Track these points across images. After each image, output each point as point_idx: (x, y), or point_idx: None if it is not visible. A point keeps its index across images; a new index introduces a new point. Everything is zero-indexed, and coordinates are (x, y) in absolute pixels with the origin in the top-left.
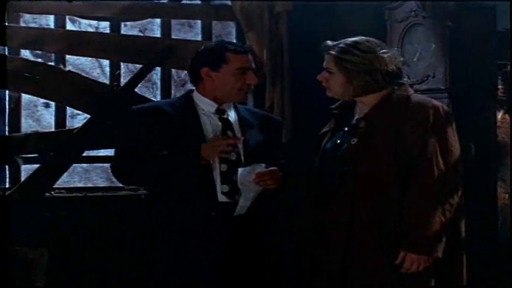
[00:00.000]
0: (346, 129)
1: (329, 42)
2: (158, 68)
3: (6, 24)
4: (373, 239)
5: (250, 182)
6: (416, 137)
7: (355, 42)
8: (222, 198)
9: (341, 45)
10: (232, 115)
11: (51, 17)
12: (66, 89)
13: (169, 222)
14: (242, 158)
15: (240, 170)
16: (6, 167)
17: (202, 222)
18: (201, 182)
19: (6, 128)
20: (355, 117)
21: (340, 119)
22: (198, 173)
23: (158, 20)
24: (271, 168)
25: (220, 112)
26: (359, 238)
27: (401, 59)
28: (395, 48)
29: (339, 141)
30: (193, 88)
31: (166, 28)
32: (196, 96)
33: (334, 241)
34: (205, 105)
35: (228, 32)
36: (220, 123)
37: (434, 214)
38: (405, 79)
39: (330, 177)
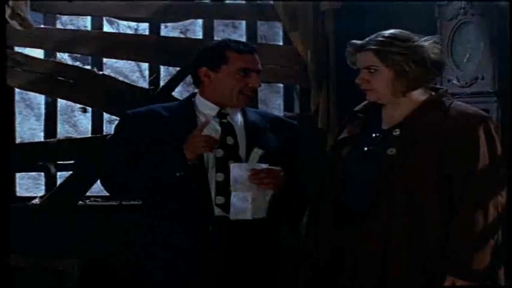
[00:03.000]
0: (374, 135)
1: (357, 41)
2: None
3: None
4: (413, 264)
5: (246, 180)
6: (465, 150)
7: (392, 33)
8: (217, 211)
9: (379, 38)
10: (237, 119)
11: (89, 19)
12: (100, 93)
13: (159, 236)
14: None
15: (233, 165)
16: (43, 173)
17: (196, 237)
18: (196, 193)
19: (42, 134)
20: (390, 124)
21: (366, 124)
22: (192, 183)
23: (200, 21)
24: (271, 167)
25: (222, 116)
26: (396, 263)
27: (440, 46)
28: (432, 36)
29: (366, 149)
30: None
31: (208, 29)
32: (198, 99)
33: (365, 268)
34: (206, 109)
35: (274, 32)
36: (219, 128)
37: (489, 237)
38: (454, 81)
39: (360, 192)
